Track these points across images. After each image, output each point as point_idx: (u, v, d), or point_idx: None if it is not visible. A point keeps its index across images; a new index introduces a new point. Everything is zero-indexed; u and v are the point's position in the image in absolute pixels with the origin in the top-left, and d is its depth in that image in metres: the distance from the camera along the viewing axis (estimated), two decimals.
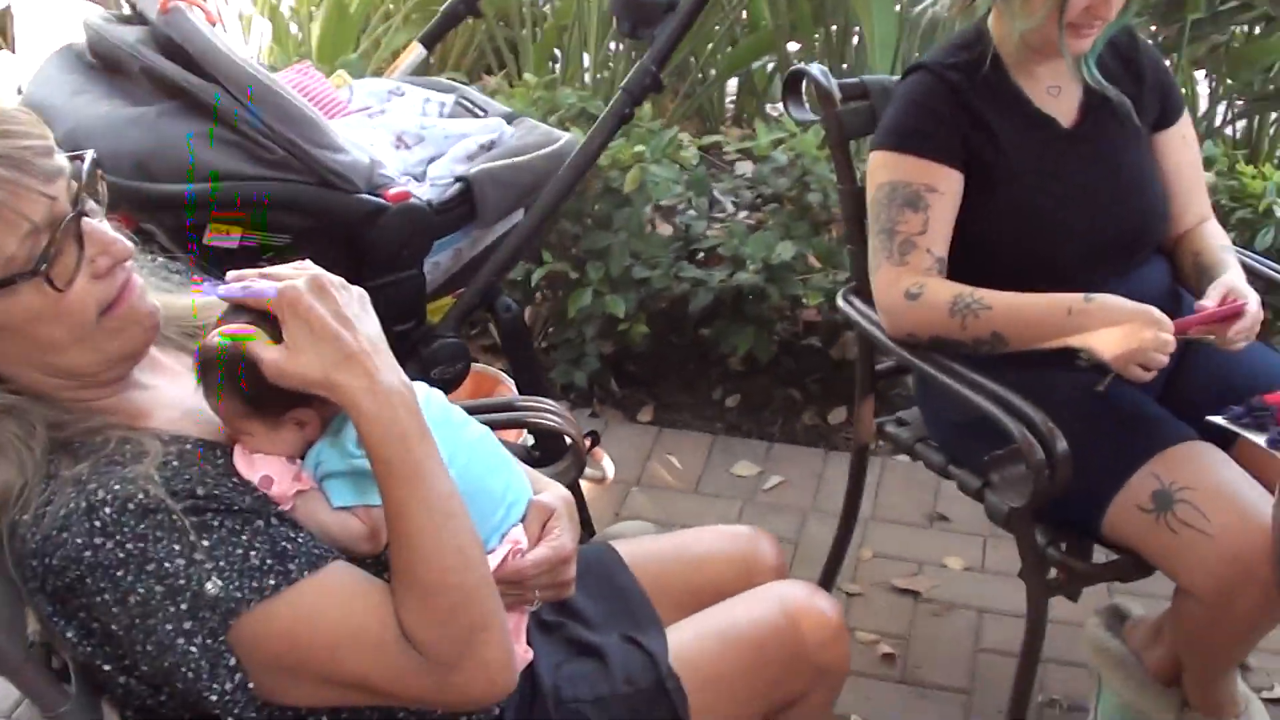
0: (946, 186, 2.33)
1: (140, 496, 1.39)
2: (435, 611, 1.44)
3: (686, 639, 1.84)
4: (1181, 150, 2.52)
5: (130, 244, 1.49)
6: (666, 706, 1.77)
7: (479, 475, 1.60)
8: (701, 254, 3.71)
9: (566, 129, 3.16)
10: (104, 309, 1.47)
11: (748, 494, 3.39)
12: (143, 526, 1.38)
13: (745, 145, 3.93)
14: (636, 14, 2.58)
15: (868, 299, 2.59)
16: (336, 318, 1.43)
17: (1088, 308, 2.19)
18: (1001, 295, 2.25)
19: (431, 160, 2.54)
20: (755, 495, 3.38)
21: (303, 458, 1.52)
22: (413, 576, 1.44)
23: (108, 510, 1.39)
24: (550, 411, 2.17)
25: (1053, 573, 2.34)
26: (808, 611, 1.88)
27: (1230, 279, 2.31)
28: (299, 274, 1.45)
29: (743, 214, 4.22)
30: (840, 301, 2.61)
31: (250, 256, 2.25)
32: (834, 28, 4.56)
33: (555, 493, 1.75)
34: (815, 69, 2.60)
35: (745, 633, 1.85)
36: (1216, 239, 2.50)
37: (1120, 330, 2.17)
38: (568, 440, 2.19)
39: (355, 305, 1.47)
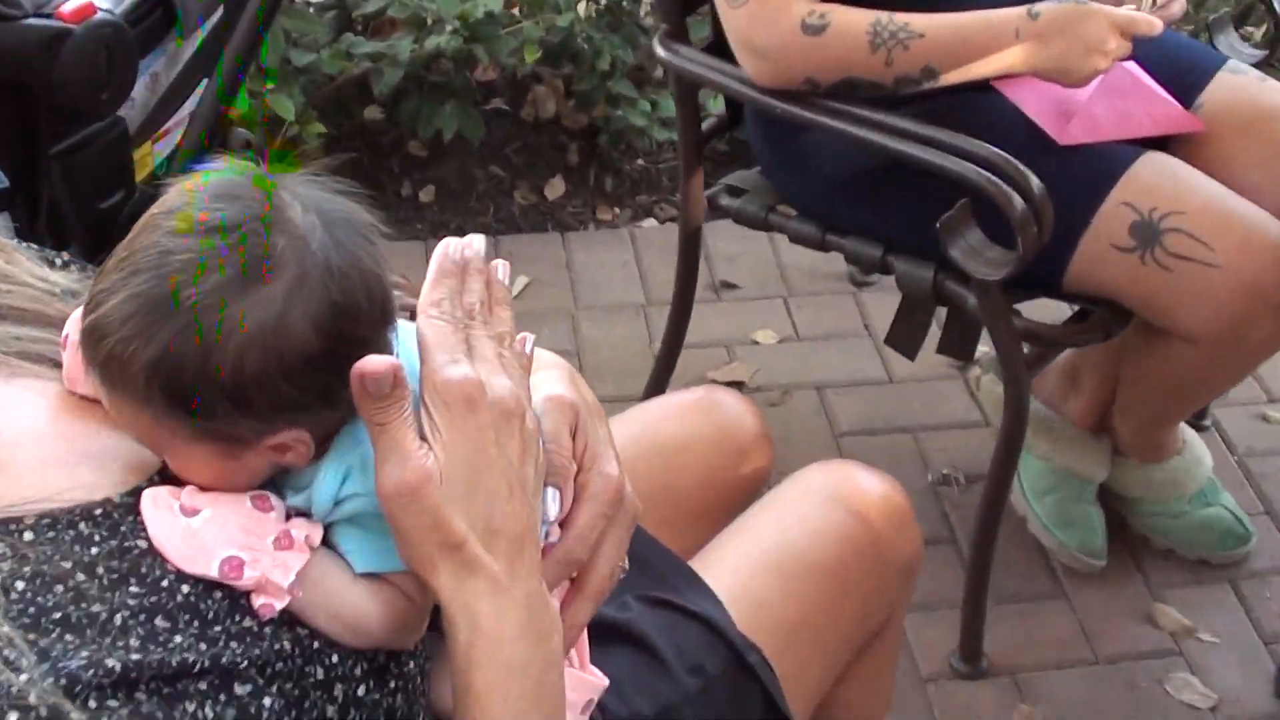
0: None
1: None
2: None
3: (739, 586, 1.28)
4: None
5: None
6: (755, 691, 1.23)
7: None
8: (359, 23, 2.98)
9: None
10: None
11: None
12: None
13: None
14: None
15: (689, 42, 2.04)
16: (510, 473, 0.84)
17: (1037, 26, 1.71)
18: (930, 19, 1.73)
19: None
20: None
21: (276, 484, 0.85)
22: None
23: None
24: None
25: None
26: (869, 499, 1.37)
27: None
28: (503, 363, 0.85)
29: None
30: (660, 51, 2.01)
31: None
32: None
33: (555, 375, 0.99)
34: None
35: (813, 555, 1.32)
36: None
37: (1071, 46, 1.71)
38: None
39: (534, 475, 0.86)
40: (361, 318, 0.81)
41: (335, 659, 0.84)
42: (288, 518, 0.83)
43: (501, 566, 0.82)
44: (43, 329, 0.92)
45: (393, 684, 0.89)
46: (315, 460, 0.83)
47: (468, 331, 0.84)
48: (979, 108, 1.83)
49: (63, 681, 0.72)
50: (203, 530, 0.80)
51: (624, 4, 2.98)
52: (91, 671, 0.74)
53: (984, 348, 2.13)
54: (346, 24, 2.93)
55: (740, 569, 1.30)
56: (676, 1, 2.02)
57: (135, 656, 0.75)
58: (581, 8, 3.00)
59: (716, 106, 2.44)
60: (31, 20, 1.51)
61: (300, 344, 0.78)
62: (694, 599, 1.25)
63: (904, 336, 2.06)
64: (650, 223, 3.02)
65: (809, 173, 1.99)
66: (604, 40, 2.90)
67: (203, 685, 0.77)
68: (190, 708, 0.76)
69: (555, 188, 3.10)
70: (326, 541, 0.84)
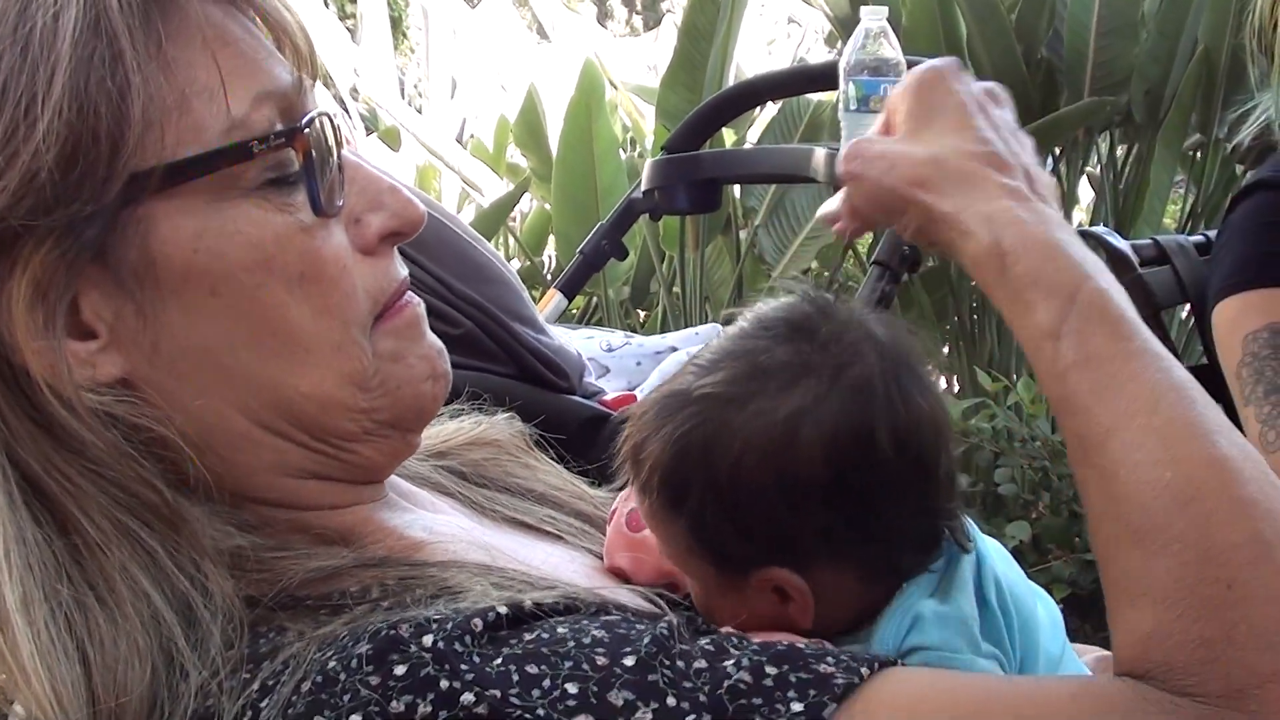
0: None
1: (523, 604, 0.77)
2: (1185, 601, 0.72)
3: None
4: None
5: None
6: None
7: None
8: None
9: None
10: (375, 311, 0.85)
11: None
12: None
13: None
14: None
15: None
16: (981, 111, 0.87)
17: None
18: None
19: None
20: None
21: None
22: (1134, 535, 0.72)
23: (441, 636, 0.73)
24: None
25: None
26: None
27: None
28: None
29: None
30: None
31: None
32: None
33: None
34: (1101, 230, 2.07)
35: None
36: None
37: None
38: None
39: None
40: (876, 459, 0.76)
41: None
42: None
43: (1015, 169, 0.84)
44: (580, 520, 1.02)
45: None
46: (826, 626, 0.79)
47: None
48: None
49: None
50: None
51: None
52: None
53: None
54: None
55: None
56: None
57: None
58: None
59: None
60: (577, 397, 1.57)
61: (804, 462, 0.75)
62: None
63: None
64: None
65: None
66: None
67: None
68: None
69: None
70: None
